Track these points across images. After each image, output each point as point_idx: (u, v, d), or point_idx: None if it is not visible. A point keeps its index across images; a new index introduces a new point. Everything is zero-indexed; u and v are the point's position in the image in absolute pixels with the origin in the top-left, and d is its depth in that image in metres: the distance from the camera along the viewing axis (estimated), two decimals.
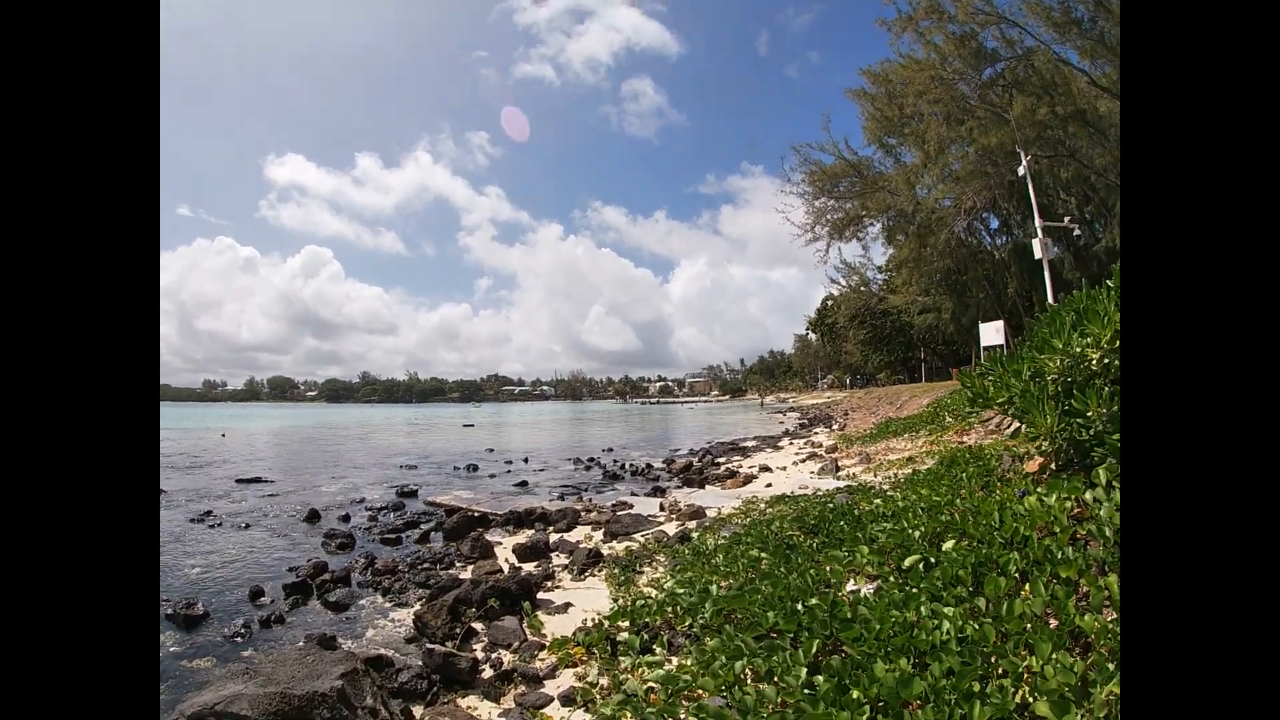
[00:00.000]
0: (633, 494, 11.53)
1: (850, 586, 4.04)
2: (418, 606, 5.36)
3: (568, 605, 5.22)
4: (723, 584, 4.71)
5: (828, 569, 4.45)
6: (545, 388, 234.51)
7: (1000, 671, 2.51)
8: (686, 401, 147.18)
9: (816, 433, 26.92)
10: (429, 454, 25.87)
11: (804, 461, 14.56)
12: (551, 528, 8.56)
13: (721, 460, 17.29)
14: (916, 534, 4.66)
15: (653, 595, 4.92)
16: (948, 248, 32.16)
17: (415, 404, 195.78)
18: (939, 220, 29.42)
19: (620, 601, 4.99)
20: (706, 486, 12.32)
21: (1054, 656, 2.38)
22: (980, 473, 7.13)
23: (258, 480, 16.52)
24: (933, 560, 3.84)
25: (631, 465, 17.86)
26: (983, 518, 4.15)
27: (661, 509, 8.71)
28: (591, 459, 20.58)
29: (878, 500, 6.78)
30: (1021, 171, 22.20)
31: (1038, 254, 21.72)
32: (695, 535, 6.73)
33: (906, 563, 3.96)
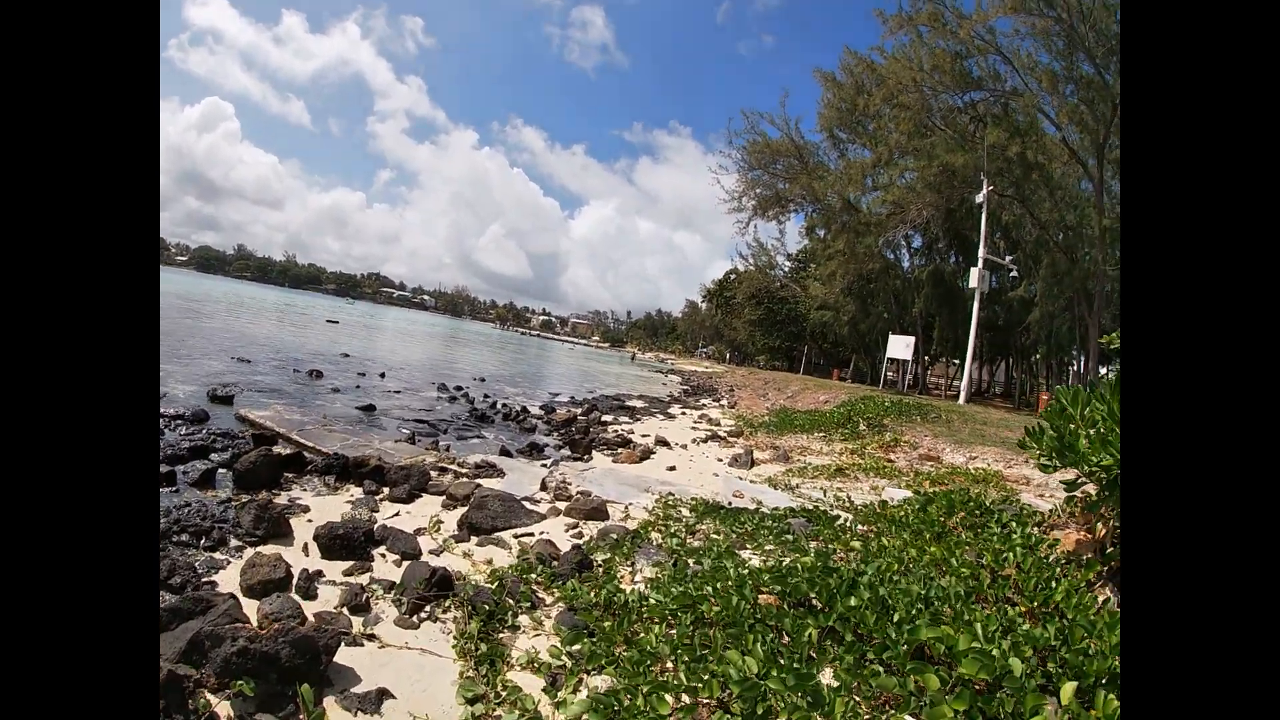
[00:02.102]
0: (504, 451, 9.10)
1: None
2: None
3: (381, 695, 2.81)
4: (671, 706, 2.52)
5: None
6: (426, 297, 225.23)
7: None
8: (566, 341, 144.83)
9: (705, 404, 25.40)
10: (276, 347, 22.11)
11: (706, 443, 12.65)
12: (386, 492, 6.02)
13: (608, 420, 15.12)
14: (1016, 663, 2.68)
15: (534, 703, 2.67)
16: (873, 252, 31.89)
17: (288, 289, 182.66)
18: (876, 223, 28.73)
19: (474, 710, 2.69)
20: (595, 455, 10.10)
21: None
22: (989, 527, 5.41)
23: None
24: None
25: (505, 405, 15.32)
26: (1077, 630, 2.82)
27: (544, 488, 6.37)
28: (460, 388, 17.81)
29: (858, 545, 4.86)
30: (980, 199, 21.61)
31: (973, 283, 21.29)
32: (598, 557, 4.47)
33: None
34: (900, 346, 27.58)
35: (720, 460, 10.52)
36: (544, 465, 8.21)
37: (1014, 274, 23.57)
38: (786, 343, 62.30)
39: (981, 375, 43.64)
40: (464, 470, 7.14)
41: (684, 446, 11.69)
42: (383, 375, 18.42)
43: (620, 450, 10.60)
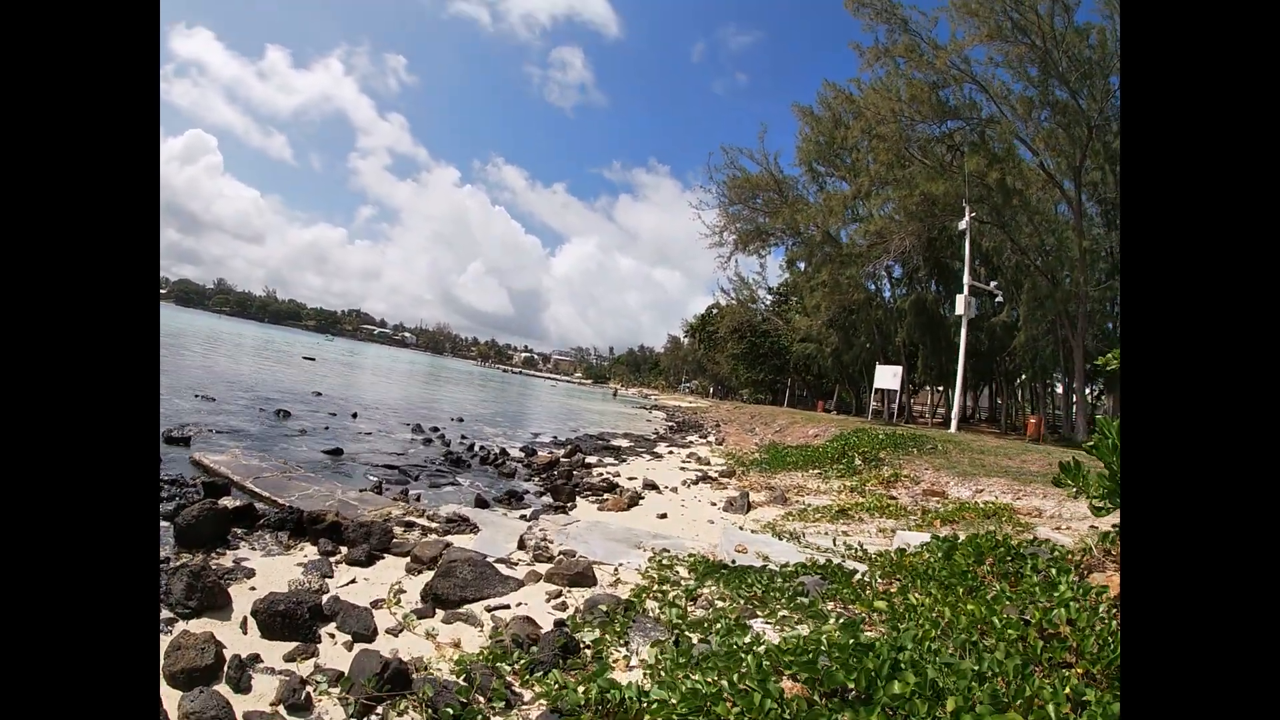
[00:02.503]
0: (479, 500, 8.37)
1: None
2: None
3: None
4: None
5: None
6: (407, 334, 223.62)
7: None
8: (549, 378, 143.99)
9: (692, 441, 24.74)
10: (248, 385, 21.24)
11: (697, 484, 11.98)
12: (344, 553, 5.29)
13: (593, 462, 14.41)
14: None
15: None
16: (856, 283, 31.91)
17: (268, 324, 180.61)
18: (859, 254, 28.73)
19: None
20: (578, 501, 9.40)
21: None
22: (1025, 574, 4.85)
23: None
24: None
25: (483, 448, 14.56)
26: None
27: (522, 546, 5.66)
28: (436, 429, 17.02)
29: (883, 606, 4.27)
30: (963, 226, 21.56)
31: (959, 310, 21.06)
32: (585, 636, 3.79)
33: None
34: (888, 376, 27.22)
35: (714, 505, 9.86)
36: (522, 517, 7.51)
37: (999, 299, 23.36)
38: (770, 376, 62.01)
39: (966, 401, 43.42)
40: (434, 525, 6.43)
41: (674, 490, 11.02)
42: (355, 415, 17.61)
43: (606, 496, 9.90)
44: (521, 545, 5.52)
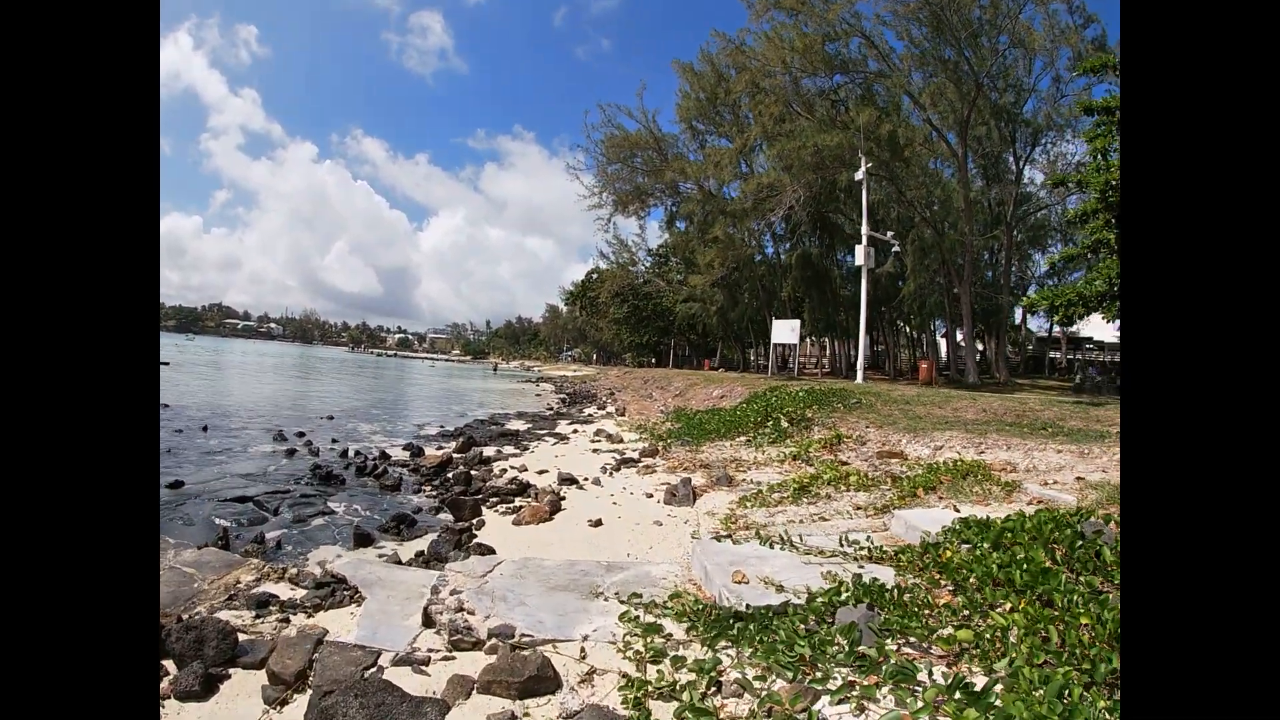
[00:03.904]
0: (359, 533, 6.40)
1: None
2: None
3: None
4: None
5: None
6: (273, 325, 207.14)
7: None
8: (426, 358, 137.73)
9: (593, 415, 23.14)
10: None
11: (620, 470, 10.39)
12: (166, 681, 3.27)
13: (491, 454, 12.47)
14: None
15: None
16: (751, 238, 31.47)
17: None
18: (749, 210, 28.05)
19: None
20: (485, 515, 7.58)
21: None
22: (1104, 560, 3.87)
23: None
24: None
25: (359, 453, 12.24)
26: None
27: (429, 622, 3.74)
28: (302, 434, 14.42)
29: (968, 636, 2.95)
30: (860, 176, 21.07)
31: (859, 260, 20.67)
32: None
33: None
34: (785, 331, 26.72)
35: (651, 497, 8.31)
36: (420, 556, 5.66)
37: (895, 248, 23.19)
38: (654, 338, 61.42)
39: (849, 351, 44.52)
40: (300, 592, 4.48)
41: (596, 482, 9.38)
42: (205, 429, 14.63)
43: (519, 503, 8.13)
44: (429, 621, 3.69)
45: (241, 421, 16.83)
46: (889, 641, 3.30)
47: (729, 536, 5.89)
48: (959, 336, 37.30)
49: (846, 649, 3.18)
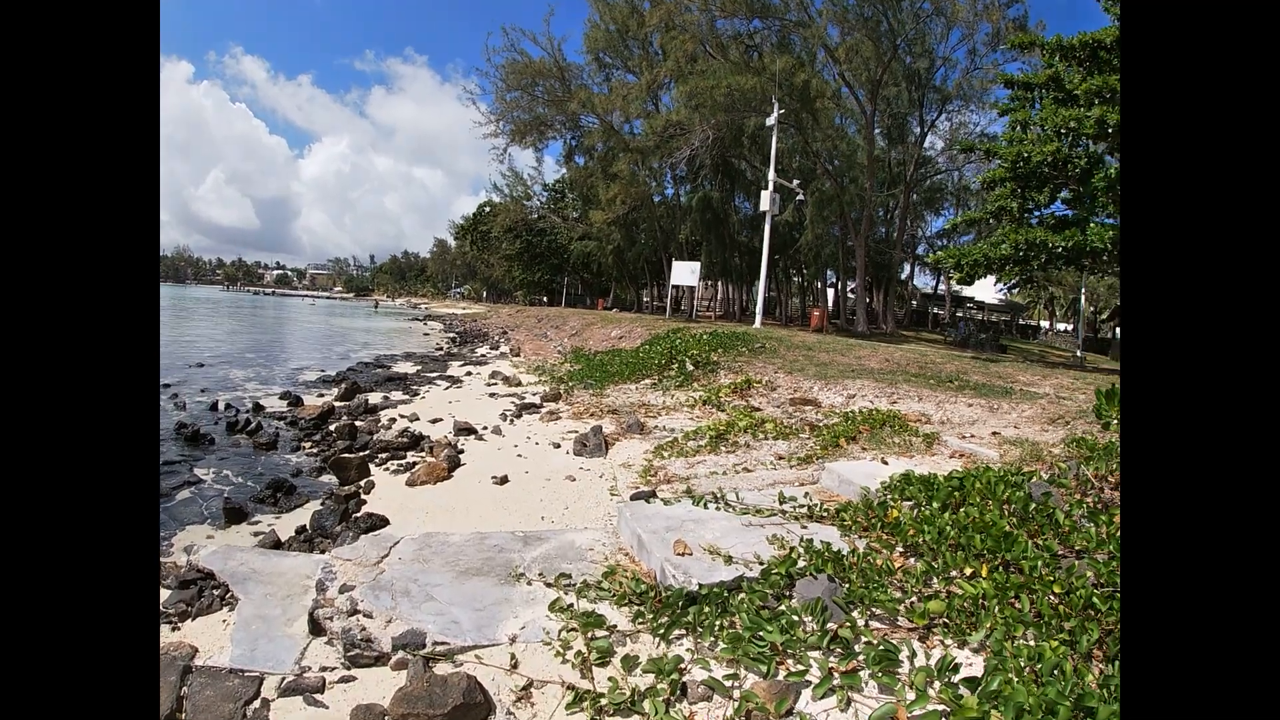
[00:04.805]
0: (229, 506, 5.48)
1: None
2: None
3: None
4: None
5: None
6: None
7: None
8: (306, 295, 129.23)
9: (486, 356, 22.14)
10: None
11: (520, 418, 9.73)
12: None
13: (378, 402, 11.43)
14: None
15: None
16: (654, 175, 30.84)
17: None
18: (655, 148, 27.37)
19: None
20: (374, 474, 6.80)
21: None
22: (1044, 516, 3.82)
23: None
24: None
25: (230, 406, 10.86)
26: None
27: (318, 629, 2.95)
28: (167, 387, 12.70)
29: (938, 606, 2.75)
30: (771, 121, 20.61)
31: (764, 205, 20.49)
32: None
33: None
34: (685, 273, 26.43)
35: (558, 447, 7.74)
36: (301, 533, 4.86)
37: (800, 197, 23.22)
38: (547, 276, 60.02)
39: (742, 295, 45.19)
40: (161, 595, 3.63)
41: (497, 431, 8.70)
42: None
43: (412, 459, 7.37)
44: (317, 628, 2.98)
45: None
46: (856, 614, 3.00)
47: (652, 493, 5.46)
48: (849, 287, 38.64)
49: (818, 630, 2.82)
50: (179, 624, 3.37)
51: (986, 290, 44.07)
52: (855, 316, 28.15)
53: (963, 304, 44.25)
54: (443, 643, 2.83)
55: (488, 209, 61.41)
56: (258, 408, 10.68)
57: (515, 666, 2.73)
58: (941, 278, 45.49)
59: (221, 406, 10.81)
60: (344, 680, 2.76)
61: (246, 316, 47.36)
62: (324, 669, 2.83)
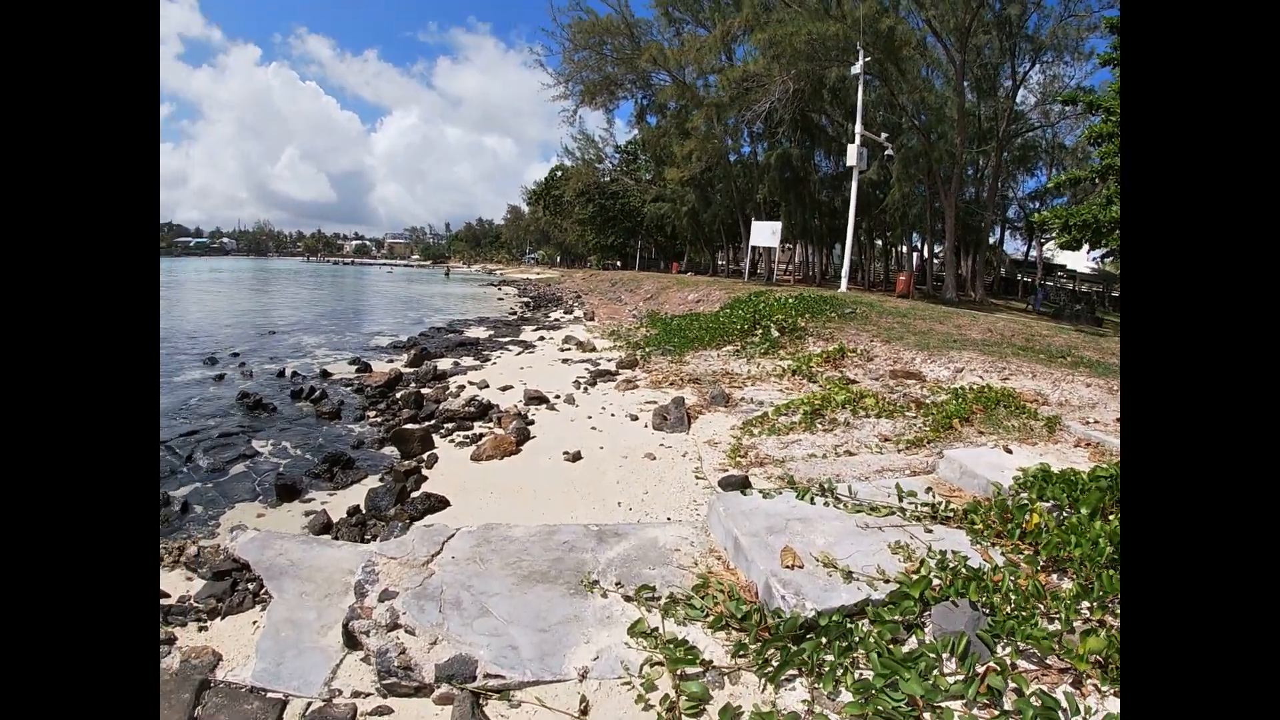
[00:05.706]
0: (281, 484, 5.16)
1: None
2: None
3: None
4: None
5: None
6: (226, 240, 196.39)
7: None
8: (384, 264, 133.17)
9: (560, 320, 21.78)
10: None
11: (595, 386, 9.19)
12: None
13: (447, 368, 11.12)
14: None
15: None
16: (730, 131, 29.41)
17: None
18: (730, 101, 25.97)
19: None
20: (439, 446, 6.39)
21: None
22: None
23: None
24: None
25: (298, 373, 10.75)
26: None
27: (353, 642, 2.47)
28: (237, 355, 12.76)
29: (1101, 650, 1.97)
30: (857, 70, 19.10)
31: (851, 160, 19.15)
32: None
33: None
34: (765, 234, 25.20)
35: (636, 420, 7.15)
36: (354, 516, 4.44)
37: (888, 152, 21.56)
38: (620, 239, 59.21)
39: (821, 259, 43.35)
40: (195, 587, 3.30)
41: (570, 400, 8.18)
42: None
43: (479, 430, 6.94)
44: (353, 641, 2.50)
45: (174, 345, 14.84)
46: (1001, 649, 2.31)
47: (745, 480, 4.78)
48: (936, 251, 36.37)
49: (962, 676, 2.13)
50: (208, 623, 2.96)
51: (1079, 259, 40.84)
52: (942, 282, 26.35)
53: (1052, 272, 41.09)
54: (496, 675, 2.28)
55: (559, 173, 60.95)
56: (325, 374, 10.55)
57: (585, 712, 2.15)
58: (1033, 243, 42.29)
59: (288, 374, 10.71)
60: (378, 713, 2.26)
61: (324, 286, 48.72)
62: (356, 694, 2.34)
